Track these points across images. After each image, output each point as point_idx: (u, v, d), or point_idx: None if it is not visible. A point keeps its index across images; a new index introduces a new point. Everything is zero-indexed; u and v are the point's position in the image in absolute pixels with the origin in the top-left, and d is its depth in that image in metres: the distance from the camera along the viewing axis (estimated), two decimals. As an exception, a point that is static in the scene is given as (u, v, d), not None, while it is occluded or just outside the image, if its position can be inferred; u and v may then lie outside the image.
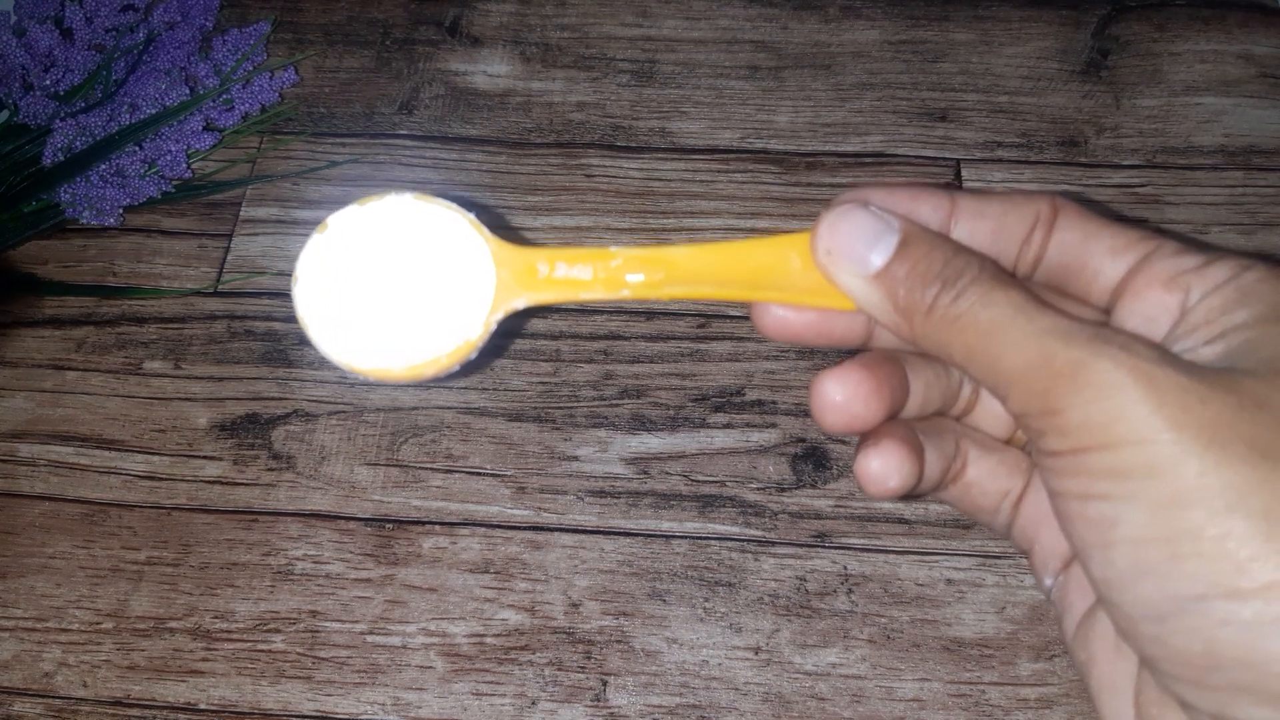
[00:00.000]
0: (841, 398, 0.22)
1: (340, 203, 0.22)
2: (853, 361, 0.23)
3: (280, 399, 0.45)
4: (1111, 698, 0.21)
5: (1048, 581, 0.23)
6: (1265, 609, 0.16)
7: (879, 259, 0.21)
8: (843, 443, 0.43)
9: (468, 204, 0.24)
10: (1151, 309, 0.20)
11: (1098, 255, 0.22)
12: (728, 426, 0.44)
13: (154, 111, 0.50)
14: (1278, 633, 0.16)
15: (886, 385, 0.23)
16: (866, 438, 0.23)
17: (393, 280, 0.23)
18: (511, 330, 0.46)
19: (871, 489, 0.22)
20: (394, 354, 0.23)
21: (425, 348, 0.23)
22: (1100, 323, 0.20)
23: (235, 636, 0.40)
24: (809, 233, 0.22)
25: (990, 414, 0.25)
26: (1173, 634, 0.18)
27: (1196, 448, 0.17)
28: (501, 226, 0.47)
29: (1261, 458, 0.17)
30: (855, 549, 0.41)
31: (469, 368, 0.24)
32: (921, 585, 0.40)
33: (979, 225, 0.22)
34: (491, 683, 0.39)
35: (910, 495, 0.24)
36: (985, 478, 0.24)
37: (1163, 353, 0.18)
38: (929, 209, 0.22)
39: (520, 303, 0.24)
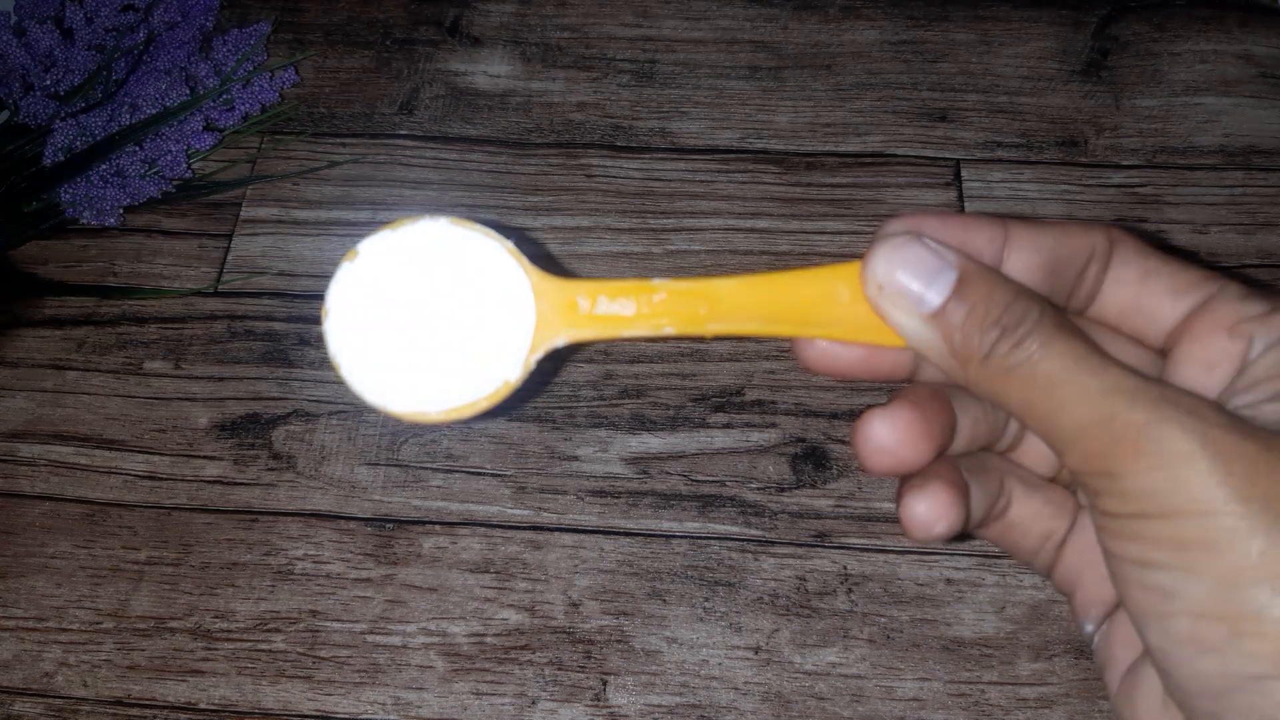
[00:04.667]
0: (891, 441, 0.21)
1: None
2: (901, 400, 0.21)
3: (280, 399, 0.45)
4: None
5: (1089, 628, 0.22)
6: None
7: (935, 298, 0.20)
8: (843, 442, 0.43)
9: (503, 229, 0.23)
10: (1213, 356, 0.19)
11: (1157, 294, 0.21)
12: (728, 426, 0.44)
13: (154, 111, 0.50)
14: None
15: (936, 425, 0.21)
16: (911, 478, 0.21)
17: (428, 313, 0.22)
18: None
19: (917, 534, 0.21)
20: (430, 397, 0.22)
21: (463, 390, 0.22)
22: (1164, 382, 0.19)
23: (235, 636, 0.40)
24: (858, 264, 0.21)
25: (1037, 451, 0.24)
26: (1229, 712, 0.17)
27: (1263, 524, 0.16)
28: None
29: None
30: (855, 549, 0.41)
31: (504, 405, 0.23)
32: (921, 585, 0.40)
33: (1033, 258, 0.21)
34: (492, 682, 0.39)
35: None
36: (1029, 518, 0.23)
37: (1231, 418, 0.18)
38: (984, 240, 0.21)
39: (560, 340, 0.23)
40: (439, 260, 0.22)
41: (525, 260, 0.22)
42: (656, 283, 0.22)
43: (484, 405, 0.22)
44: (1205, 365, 0.20)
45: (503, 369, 0.22)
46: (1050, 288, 0.21)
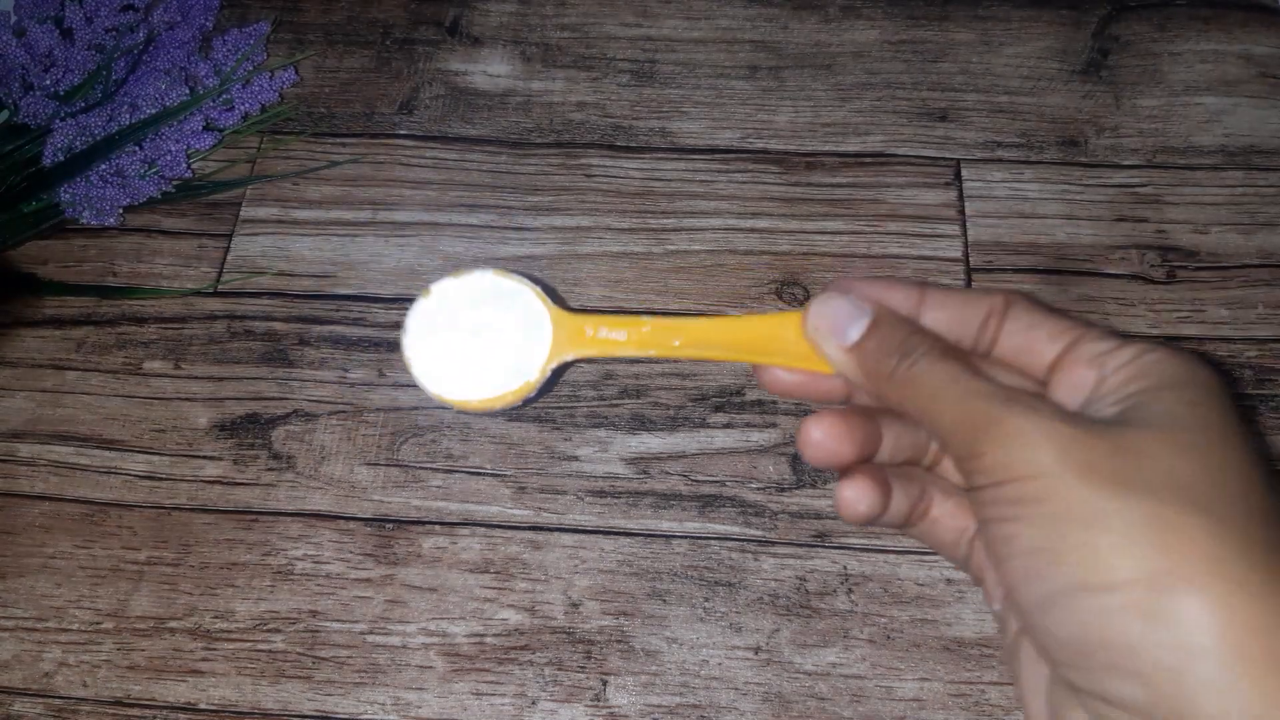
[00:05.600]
0: (820, 436, 0.28)
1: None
2: (831, 410, 0.28)
3: (280, 399, 0.45)
4: (1033, 699, 0.25)
5: (996, 606, 0.27)
6: (1122, 598, 0.21)
7: (854, 334, 0.27)
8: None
9: (534, 278, 0.30)
10: (1077, 380, 0.26)
11: (1040, 340, 0.27)
12: (728, 426, 0.44)
13: (154, 111, 0.50)
14: (1132, 617, 0.21)
15: (858, 430, 0.28)
16: (844, 473, 0.28)
17: (476, 333, 0.31)
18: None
19: (844, 512, 0.28)
20: (474, 389, 0.31)
21: (497, 386, 0.31)
22: (1014, 388, 0.25)
23: (235, 636, 0.40)
24: (802, 312, 0.28)
25: (953, 466, 0.28)
26: (1057, 624, 0.22)
27: (1074, 480, 0.22)
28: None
29: (1122, 488, 0.22)
30: (855, 549, 0.41)
31: (528, 401, 0.31)
32: (921, 585, 0.40)
33: (942, 314, 0.28)
34: (491, 683, 0.39)
35: (884, 527, 0.30)
36: (946, 517, 0.28)
37: (1057, 409, 0.24)
38: (900, 298, 0.28)
39: (570, 356, 0.31)
40: (486, 298, 0.31)
41: (547, 299, 0.31)
42: (645, 318, 0.30)
43: (510, 398, 0.31)
44: (1071, 389, 0.26)
45: (527, 373, 0.31)
46: (959, 336, 0.28)
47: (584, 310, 0.34)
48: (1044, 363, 0.27)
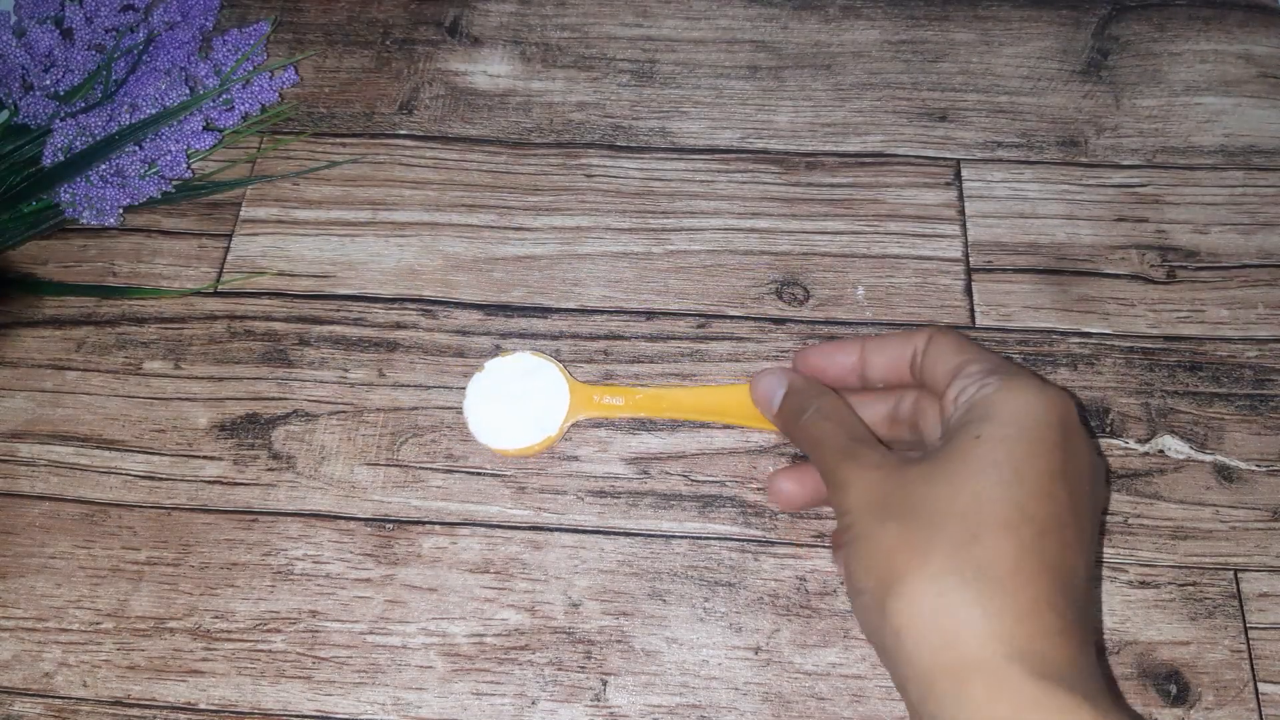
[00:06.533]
0: (790, 489, 0.39)
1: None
2: (790, 466, 0.40)
3: (280, 399, 0.45)
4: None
5: None
6: (869, 598, 0.30)
7: (777, 402, 0.38)
8: (843, 443, 0.43)
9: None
10: (947, 408, 0.34)
11: (941, 371, 0.35)
12: (728, 426, 0.44)
13: (154, 111, 0.50)
14: (872, 610, 0.30)
15: (808, 479, 0.39)
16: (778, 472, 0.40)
17: (514, 398, 0.42)
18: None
19: (777, 500, 0.39)
20: (511, 440, 0.41)
21: (528, 438, 0.41)
22: (856, 442, 0.34)
23: (235, 636, 0.40)
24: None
25: None
26: (859, 610, 0.31)
27: (865, 514, 0.31)
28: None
29: (889, 516, 0.30)
30: (855, 549, 0.41)
31: (550, 450, 0.43)
32: (921, 585, 0.40)
33: (879, 358, 0.37)
34: (491, 683, 0.39)
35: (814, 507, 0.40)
36: None
37: (875, 458, 0.32)
38: (844, 355, 0.38)
39: (581, 416, 0.42)
40: (523, 372, 0.42)
41: (567, 373, 0.42)
42: (639, 390, 0.42)
43: (537, 447, 0.42)
44: (951, 400, 0.34)
45: (549, 429, 0.42)
46: (897, 373, 0.37)
47: (591, 382, 0.43)
48: (944, 382, 0.34)
